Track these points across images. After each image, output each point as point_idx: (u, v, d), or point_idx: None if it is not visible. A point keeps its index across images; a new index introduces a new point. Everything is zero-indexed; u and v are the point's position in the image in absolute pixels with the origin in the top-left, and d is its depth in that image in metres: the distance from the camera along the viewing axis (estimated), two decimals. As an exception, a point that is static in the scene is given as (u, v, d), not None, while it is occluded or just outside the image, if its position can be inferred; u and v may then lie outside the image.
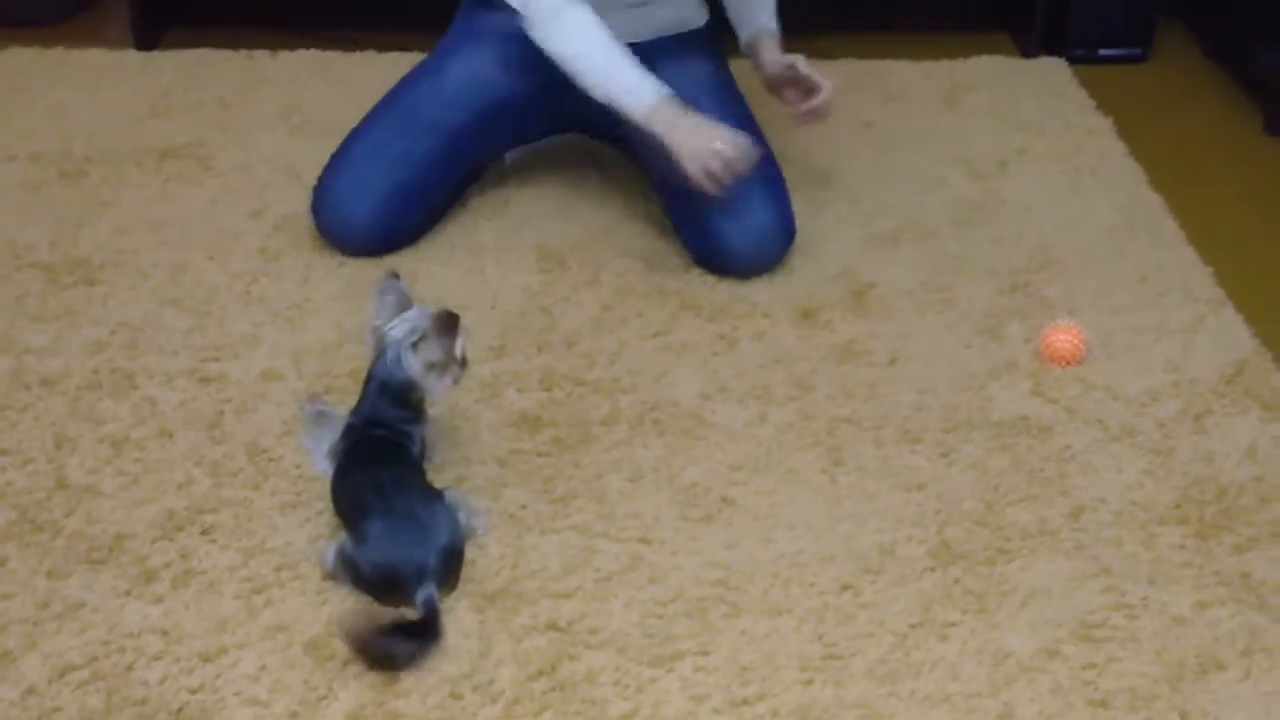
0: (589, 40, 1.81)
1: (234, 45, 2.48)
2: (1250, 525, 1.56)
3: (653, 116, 1.81)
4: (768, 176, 1.94)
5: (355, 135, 1.97)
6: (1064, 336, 1.79)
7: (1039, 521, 1.56)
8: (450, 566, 1.45)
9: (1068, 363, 1.78)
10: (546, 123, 2.07)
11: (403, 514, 1.44)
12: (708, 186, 1.80)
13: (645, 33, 1.95)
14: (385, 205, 1.93)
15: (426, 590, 1.40)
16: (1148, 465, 1.64)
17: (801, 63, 1.93)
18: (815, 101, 1.93)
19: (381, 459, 1.49)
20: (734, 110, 1.97)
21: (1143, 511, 1.58)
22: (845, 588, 1.47)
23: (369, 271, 1.93)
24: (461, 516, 1.49)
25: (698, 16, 2.02)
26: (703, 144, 1.79)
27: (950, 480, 1.61)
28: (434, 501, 1.47)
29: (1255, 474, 1.63)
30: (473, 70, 1.95)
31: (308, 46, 2.50)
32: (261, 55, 2.47)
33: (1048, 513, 1.57)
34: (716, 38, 2.05)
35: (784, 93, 1.98)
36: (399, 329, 1.52)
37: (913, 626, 1.42)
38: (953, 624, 1.43)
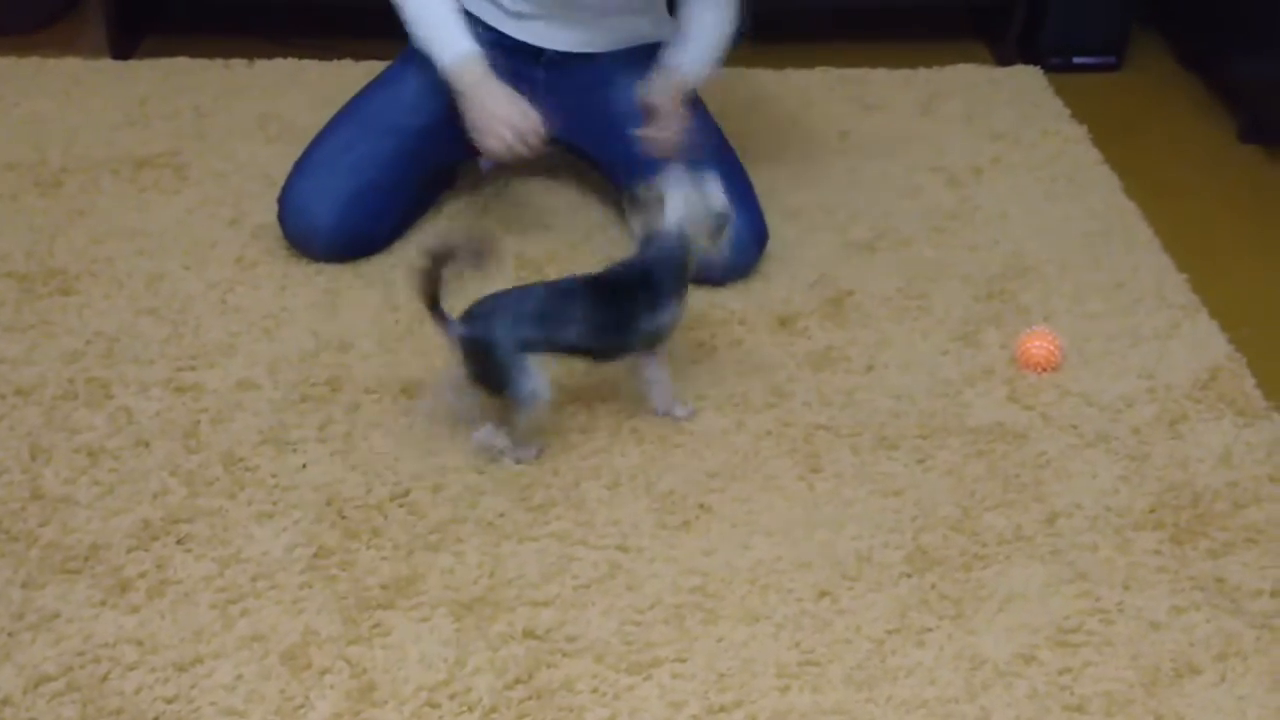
0: None
1: (210, 54, 2.48)
2: (1225, 530, 1.57)
3: (453, 70, 1.83)
4: (736, 185, 1.94)
5: (317, 141, 1.98)
6: (1040, 343, 1.80)
7: (1015, 527, 1.56)
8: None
9: (1044, 369, 1.79)
10: None
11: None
12: (498, 156, 1.83)
13: (608, 44, 1.97)
14: (348, 208, 1.93)
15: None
16: (1123, 471, 1.65)
17: (659, 103, 1.86)
18: (644, 130, 1.86)
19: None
20: (696, 121, 1.97)
21: (1118, 517, 1.59)
22: (822, 594, 1.47)
23: (346, 280, 1.93)
24: None
25: (660, 31, 2.03)
26: (496, 114, 1.81)
27: (927, 486, 1.62)
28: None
29: (1230, 479, 1.64)
30: (432, 78, 1.96)
31: (284, 55, 2.50)
32: (238, 64, 2.46)
33: (1023, 518, 1.58)
34: None
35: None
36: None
37: (889, 632, 1.43)
38: (929, 630, 1.43)
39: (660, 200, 1.61)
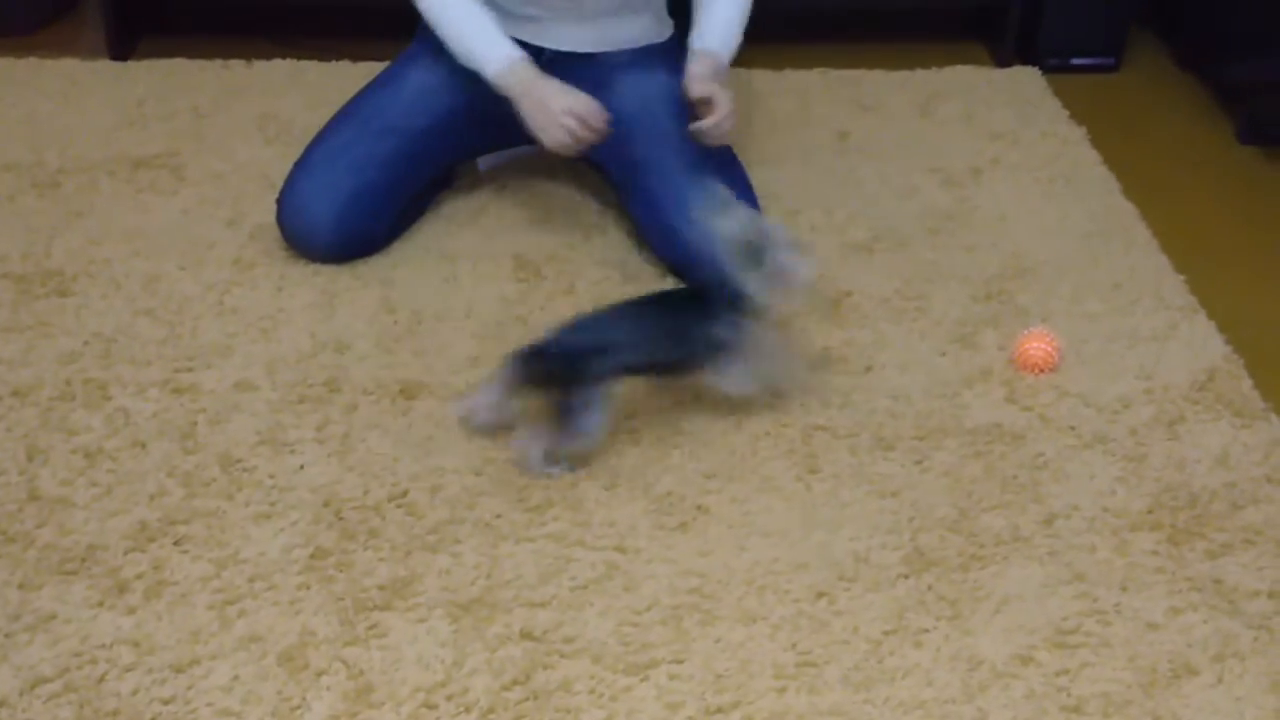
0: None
1: (208, 55, 2.48)
2: (1222, 531, 1.57)
3: (505, 77, 1.83)
4: (737, 187, 1.94)
5: (316, 141, 1.98)
6: (1038, 344, 1.80)
7: (1012, 528, 1.56)
8: None
9: (1041, 370, 1.79)
10: (509, 133, 2.08)
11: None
12: (566, 148, 1.83)
13: (608, 44, 1.96)
14: (347, 209, 1.93)
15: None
16: (1120, 472, 1.65)
17: (707, 91, 1.84)
18: (703, 122, 1.85)
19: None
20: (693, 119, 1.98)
21: (1115, 518, 1.58)
22: (819, 595, 1.47)
23: (343, 281, 1.93)
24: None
25: (661, 32, 2.03)
26: (554, 107, 1.81)
27: (924, 487, 1.62)
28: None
29: (1227, 480, 1.64)
30: (432, 78, 1.96)
31: (283, 56, 2.50)
32: (236, 64, 2.46)
33: (1021, 519, 1.58)
34: (679, 53, 2.06)
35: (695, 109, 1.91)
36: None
37: (886, 633, 1.43)
38: (926, 631, 1.43)
39: (725, 211, 1.60)
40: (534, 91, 1.84)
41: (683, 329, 1.61)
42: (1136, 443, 1.69)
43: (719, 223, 1.59)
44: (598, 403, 1.56)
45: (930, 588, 1.48)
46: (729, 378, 1.65)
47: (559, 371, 1.55)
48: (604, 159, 2.02)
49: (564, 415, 1.56)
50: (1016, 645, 1.42)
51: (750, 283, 1.59)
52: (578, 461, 1.61)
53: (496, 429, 1.64)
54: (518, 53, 1.85)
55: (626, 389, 1.72)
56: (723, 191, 1.62)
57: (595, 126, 1.84)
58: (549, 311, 1.89)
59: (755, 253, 1.58)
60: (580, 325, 1.60)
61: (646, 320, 1.62)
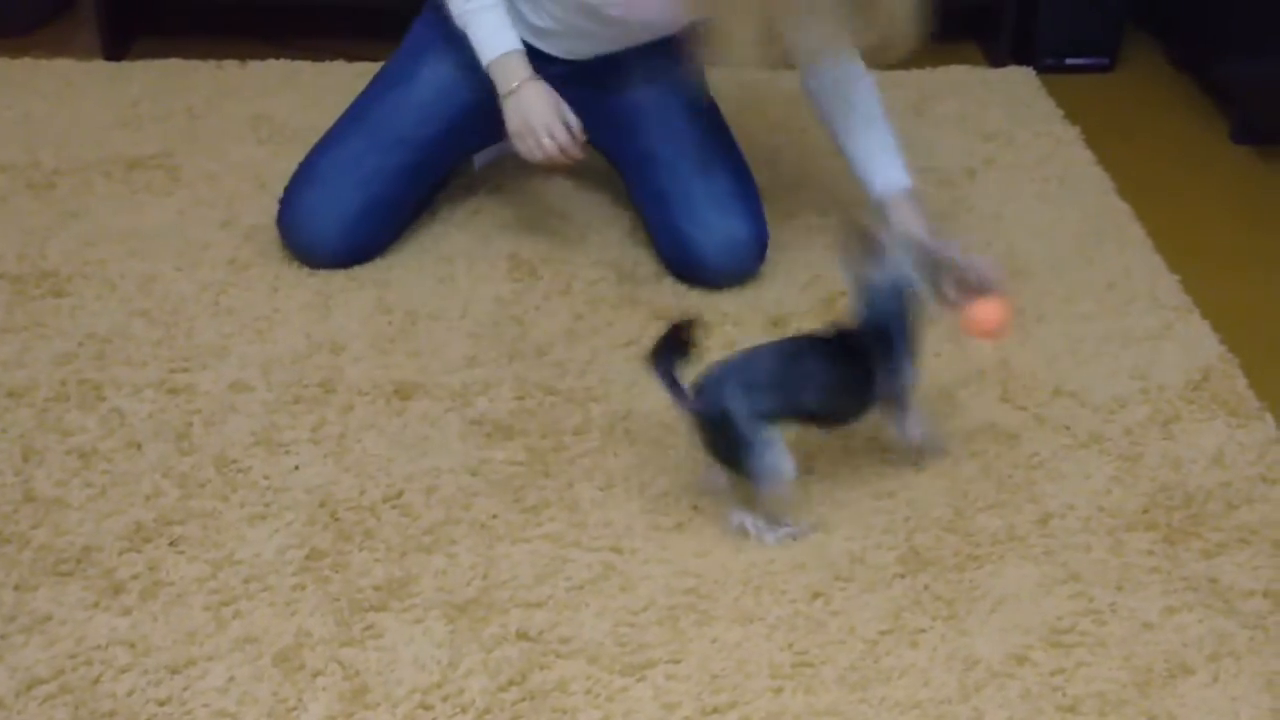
0: None
1: (203, 55, 2.47)
2: (1218, 531, 1.57)
3: (496, 66, 1.80)
4: (743, 188, 1.94)
5: (323, 148, 1.96)
6: (985, 309, 1.61)
7: (1008, 528, 1.57)
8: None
9: (989, 335, 1.64)
10: None
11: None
12: (535, 161, 1.81)
13: (621, 44, 1.95)
14: (356, 222, 1.92)
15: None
16: (1115, 471, 1.65)
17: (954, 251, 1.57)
18: (967, 295, 1.55)
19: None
20: (707, 119, 1.97)
21: (1111, 518, 1.59)
22: (816, 595, 1.47)
23: (338, 282, 1.93)
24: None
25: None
26: (536, 122, 1.78)
27: (920, 487, 1.62)
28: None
29: (1223, 480, 1.65)
30: (440, 76, 1.93)
31: (277, 56, 2.49)
32: (230, 65, 2.46)
33: (1016, 519, 1.58)
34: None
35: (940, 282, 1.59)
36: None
37: (883, 633, 1.43)
38: (922, 630, 1.43)
39: (879, 251, 1.50)
40: (521, 94, 1.79)
41: (865, 378, 1.51)
42: (1131, 442, 1.70)
43: (898, 256, 1.50)
44: (767, 442, 1.45)
45: (926, 587, 1.48)
46: (901, 421, 1.58)
47: (713, 411, 1.45)
48: (621, 157, 2.00)
49: (736, 460, 1.48)
50: (1012, 645, 1.42)
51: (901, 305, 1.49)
52: (785, 514, 1.52)
53: (719, 495, 1.56)
54: (517, 46, 1.81)
55: (618, 390, 1.72)
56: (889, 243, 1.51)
57: (572, 155, 1.81)
58: (544, 312, 1.89)
59: (931, 270, 1.49)
60: (741, 361, 1.49)
61: (828, 364, 1.51)
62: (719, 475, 1.55)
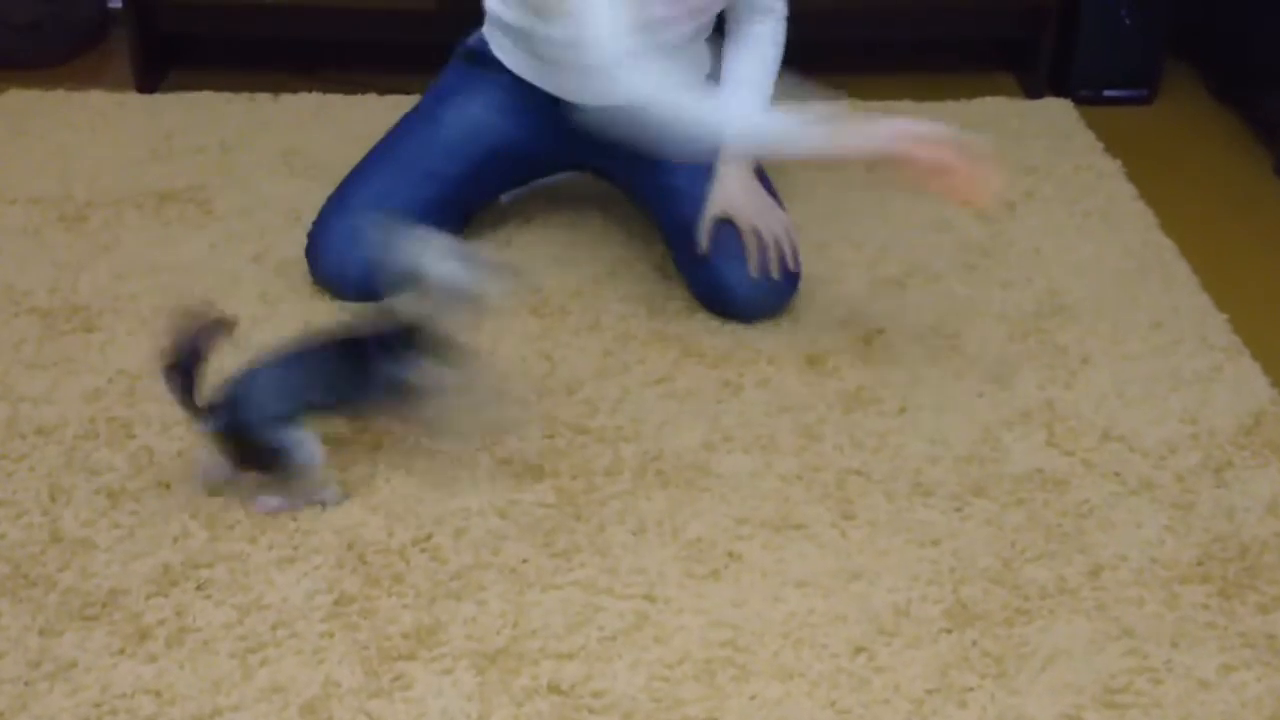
0: (657, 82, 1.72)
1: (235, 88, 2.47)
2: (1274, 584, 1.52)
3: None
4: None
5: (353, 183, 1.95)
6: (964, 175, 1.66)
7: (1058, 580, 1.52)
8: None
9: (969, 202, 1.70)
10: (545, 165, 2.05)
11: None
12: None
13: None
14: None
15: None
16: (1168, 520, 1.60)
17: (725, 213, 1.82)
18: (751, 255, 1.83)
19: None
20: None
21: (1164, 570, 1.54)
22: (859, 650, 1.43)
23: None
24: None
25: (706, 65, 2.00)
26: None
27: (965, 536, 1.57)
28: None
29: (1278, 530, 1.59)
30: (469, 118, 1.93)
31: (309, 89, 2.49)
32: (263, 98, 2.45)
33: (1067, 570, 1.53)
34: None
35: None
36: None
37: (929, 692, 1.38)
38: (970, 689, 1.39)
39: (412, 257, 1.55)
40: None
41: (364, 370, 1.56)
42: (1183, 490, 1.65)
43: (395, 259, 1.54)
44: (294, 441, 1.52)
45: (974, 643, 1.43)
46: (434, 427, 1.62)
47: (242, 422, 1.51)
48: (635, 189, 1.98)
49: (267, 467, 1.54)
50: (1064, 705, 1.37)
51: (413, 305, 1.53)
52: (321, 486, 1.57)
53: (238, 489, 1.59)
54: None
55: (649, 429, 1.69)
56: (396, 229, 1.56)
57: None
58: (572, 347, 1.86)
59: (410, 276, 1.53)
60: (253, 373, 1.54)
61: (328, 362, 1.57)
62: (223, 468, 1.57)
